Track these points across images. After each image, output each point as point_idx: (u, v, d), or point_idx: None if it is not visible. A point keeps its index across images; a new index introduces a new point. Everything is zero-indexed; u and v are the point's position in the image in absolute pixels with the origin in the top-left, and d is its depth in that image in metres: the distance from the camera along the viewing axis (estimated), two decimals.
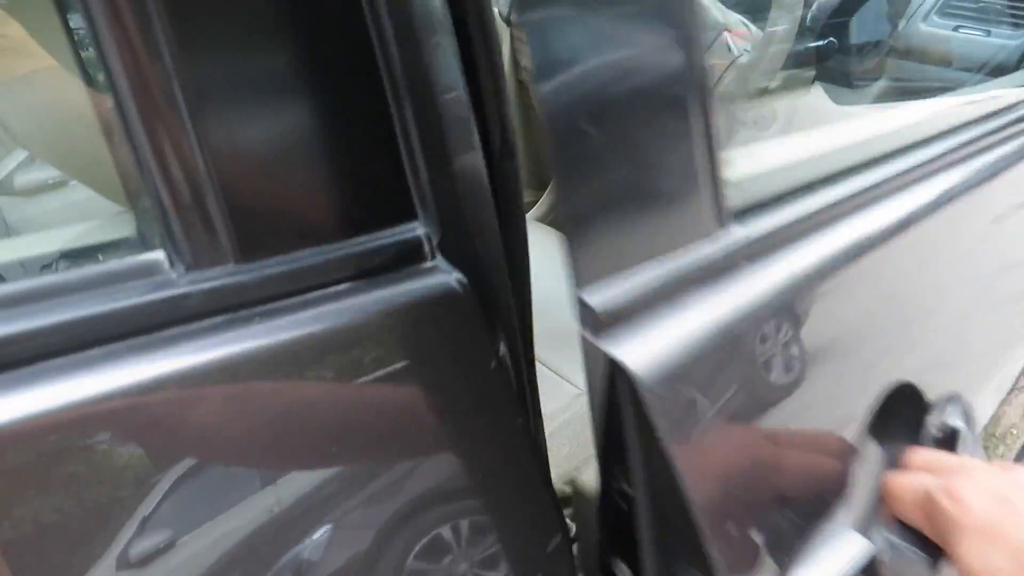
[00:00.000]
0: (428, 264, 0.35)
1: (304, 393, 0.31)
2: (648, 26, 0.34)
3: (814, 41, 1.14)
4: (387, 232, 0.35)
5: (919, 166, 0.54)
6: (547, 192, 1.67)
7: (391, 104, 0.33)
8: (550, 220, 1.63)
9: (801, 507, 0.44)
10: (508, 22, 1.56)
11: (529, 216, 1.63)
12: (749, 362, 0.39)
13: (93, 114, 0.54)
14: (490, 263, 0.37)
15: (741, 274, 0.39)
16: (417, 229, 0.35)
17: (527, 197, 1.78)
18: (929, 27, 1.14)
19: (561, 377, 0.85)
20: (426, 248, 0.35)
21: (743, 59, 1.02)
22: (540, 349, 0.42)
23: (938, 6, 1.16)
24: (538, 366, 0.42)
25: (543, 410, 0.42)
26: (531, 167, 1.79)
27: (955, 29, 1.13)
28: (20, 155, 0.95)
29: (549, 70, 0.31)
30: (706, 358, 0.36)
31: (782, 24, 1.03)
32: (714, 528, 0.37)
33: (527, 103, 1.40)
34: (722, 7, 1.12)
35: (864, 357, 0.50)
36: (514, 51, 1.38)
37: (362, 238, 0.34)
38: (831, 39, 1.07)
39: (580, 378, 0.36)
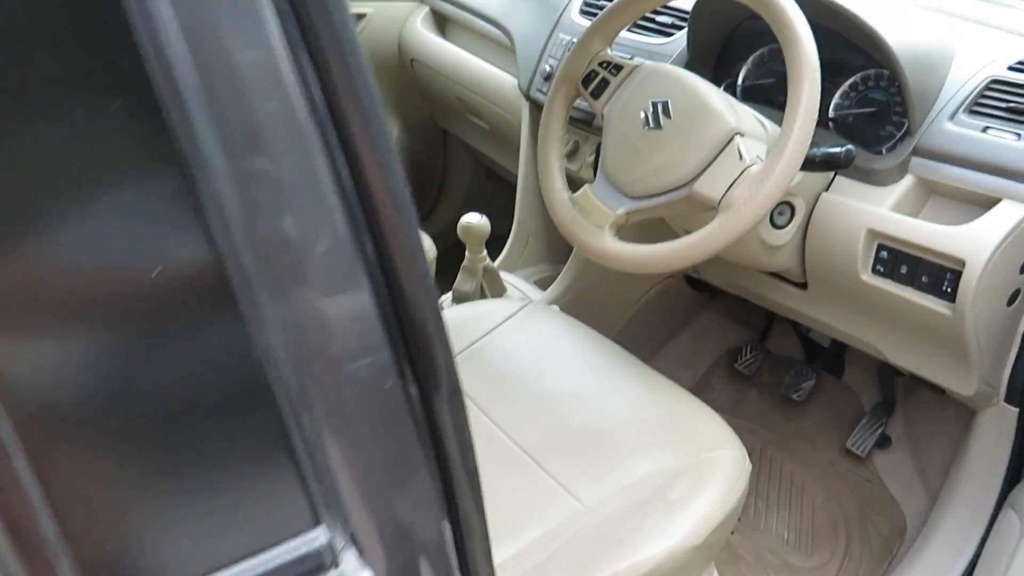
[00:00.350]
0: None
1: None
2: None
3: (833, 143, 1.09)
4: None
5: None
6: (564, 270, 1.62)
7: None
8: (565, 302, 1.59)
9: None
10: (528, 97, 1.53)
11: (543, 298, 1.59)
12: None
13: None
14: None
15: None
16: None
17: (539, 272, 1.74)
18: (956, 126, 1.09)
19: None
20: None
21: (754, 169, 0.98)
22: None
23: (967, 104, 1.10)
24: None
25: None
26: (547, 239, 1.76)
27: (984, 130, 1.07)
28: None
29: None
30: None
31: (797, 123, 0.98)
32: None
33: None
34: (735, 105, 1.08)
35: None
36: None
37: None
38: (849, 146, 1.02)
39: None
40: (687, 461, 1.04)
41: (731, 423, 1.68)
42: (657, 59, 1.39)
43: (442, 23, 2.00)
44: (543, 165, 1.20)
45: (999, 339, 1.14)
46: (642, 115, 1.09)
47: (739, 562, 1.47)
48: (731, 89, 1.38)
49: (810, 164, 1.04)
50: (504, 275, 1.71)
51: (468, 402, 1.15)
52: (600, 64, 1.17)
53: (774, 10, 0.98)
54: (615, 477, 1.04)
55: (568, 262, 1.61)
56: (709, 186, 1.01)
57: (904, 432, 1.61)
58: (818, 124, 1.24)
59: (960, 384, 1.19)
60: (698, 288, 1.73)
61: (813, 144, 1.14)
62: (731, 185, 0.98)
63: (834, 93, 1.25)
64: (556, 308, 1.45)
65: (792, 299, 1.37)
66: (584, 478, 1.05)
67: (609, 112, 1.14)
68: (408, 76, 2.06)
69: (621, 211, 1.10)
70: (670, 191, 1.05)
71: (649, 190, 1.08)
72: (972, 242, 1.02)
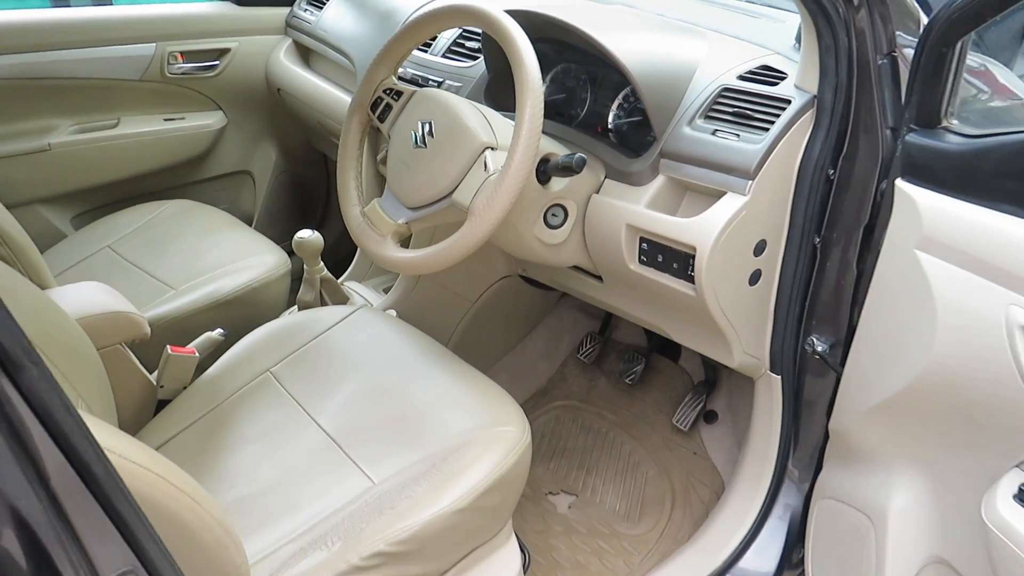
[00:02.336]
0: None
1: None
2: None
3: (608, 151, 1.25)
4: None
5: None
6: (399, 277, 1.76)
7: None
8: (404, 307, 1.72)
9: None
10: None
11: (381, 304, 1.72)
12: None
13: None
14: None
15: None
16: None
17: (390, 280, 1.87)
18: (693, 131, 1.24)
19: None
20: None
21: (492, 178, 1.11)
22: None
23: (702, 110, 1.25)
24: None
25: None
26: None
27: (713, 133, 1.22)
28: None
29: None
30: None
31: None
32: None
33: None
34: (493, 122, 1.20)
35: None
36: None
37: None
38: (580, 154, 1.17)
39: None
40: (468, 438, 1.18)
41: (581, 409, 1.83)
42: (465, 81, 1.55)
43: (305, 54, 2.14)
44: (341, 184, 1.33)
45: (750, 315, 1.29)
46: (412, 135, 1.23)
47: (572, 534, 1.61)
48: None
49: (555, 170, 1.19)
50: (353, 284, 1.84)
51: (289, 398, 1.28)
52: (385, 91, 1.31)
53: (504, 37, 1.12)
54: (405, 456, 1.17)
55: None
56: (462, 195, 1.15)
57: (727, 407, 1.76)
58: (599, 133, 1.41)
59: (725, 356, 1.34)
60: (545, 288, 1.87)
61: (585, 151, 1.30)
62: (475, 193, 1.12)
63: (610, 106, 1.40)
64: (389, 312, 1.58)
65: (595, 290, 1.51)
66: (379, 459, 1.18)
67: (391, 133, 1.29)
68: (279, 104, 2.19)
69: (402, 221, 1.23)
70: (437, 201, 1.19)
71: (422, 201, 1.21)
72: (699, 231, 1.17)
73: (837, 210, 1.20)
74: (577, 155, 1.17)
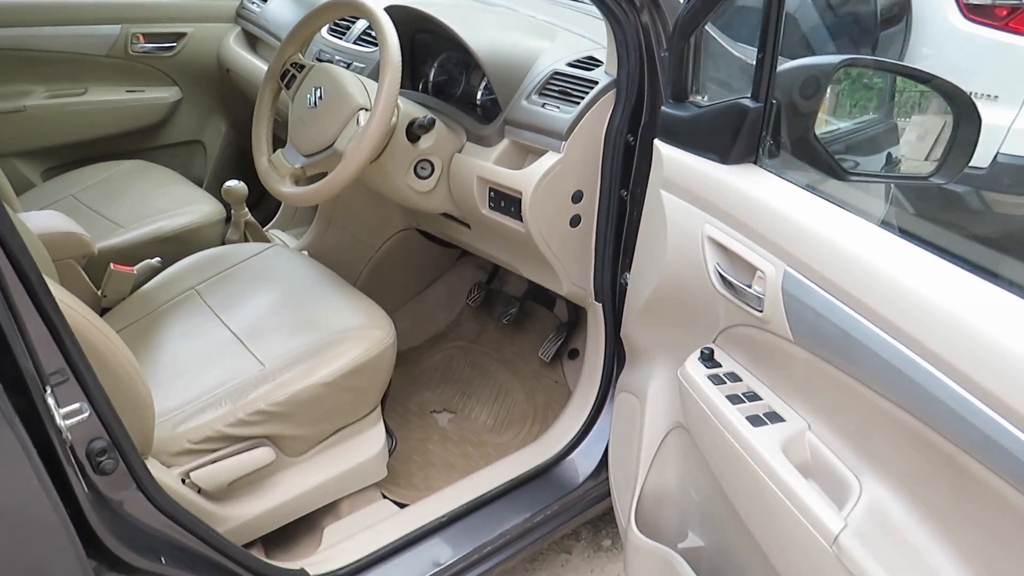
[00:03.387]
0: None
1: None
2: None
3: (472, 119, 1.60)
4: None
5: None
6: (312, 223, 2.10)
7: None
8: (316, 250, 2.06)
9: None
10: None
11: (295, 246, 2.06)
12: None
13: None
14: None
15: None
16: None
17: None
18: (529, 104, 1.58)
19: None
20: None
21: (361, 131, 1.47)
22: None
23: (536, 88, 1.59)
24: None
25: None
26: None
27: (543, 106, 1.56)
28: None
29: None
30: None
31: None
32: None
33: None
34: (369, 89, 1.54)
35: None
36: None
37: None
38: (431, 116, 1.51)
39: None
40: (344, 336, 1.51)
41: (472, 349, 2.18)
42: (368, 63, 1.89)
43: (252, 40, 2.47)
44: (255, 138, 1.67)
45: (575, 252, 1.63)
46: (307, 99, 1.57)
47: (447, 442, 1.94)
48: (425, 86, 1.88)
49: (417, 128, 1.54)
50: (276, 232, 2.18)
51: (207, 308, 1.60)
52: (292, 64, 1.66)
53: (375, 23, 1.47)
54: (292, 347, 1.51)
55: (315, 217, 2.09)
56: (340, 143, 1.49)
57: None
58: (469, 108, 1.75)
59: (556, 285, 1.68)
60: (443, 245, 2.21)
61: (453, 120, 1.64)
62: (348, 142, 1.46)
63: (478, 86, 1.75)
64: (299, 252, 1.92)
65: (466, 236, 1.86)
66: (271, 349, 1.51)
67: (294, 98, 1.63)
68: (229, 83, 2.52)
69: (297, 166, 1.58)
70: (324, 150, 1.54)
71: (313, 149, 1.56)
72: (525, 179, 1.52)
73: (639, 169, 1.54)
74: (428, 116, 1.51)
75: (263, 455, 1.42)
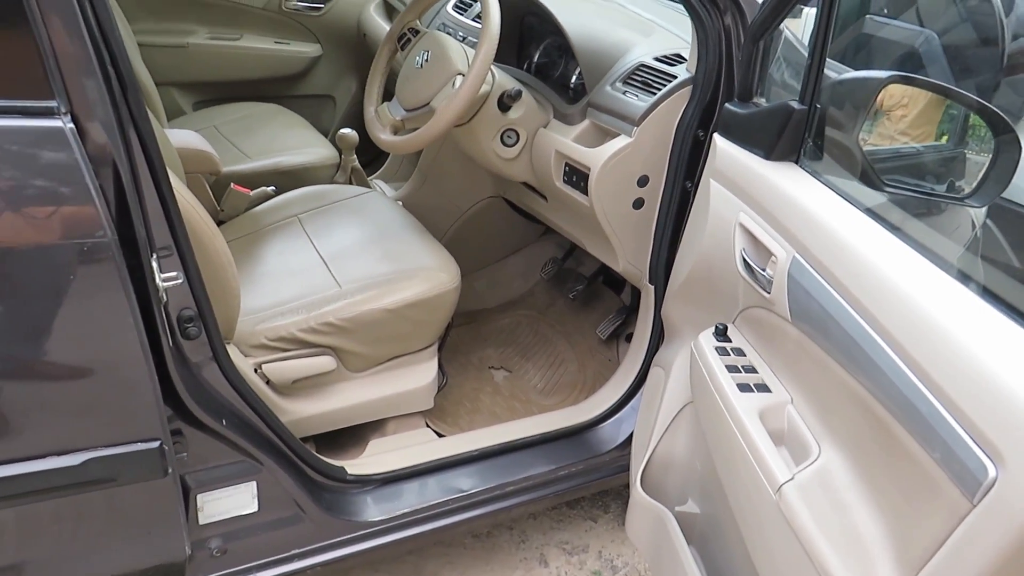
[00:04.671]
0: None
1: None
2: None
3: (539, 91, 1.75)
4: None
5: None
6: (411, 178, 2.30)
7: None
8: (410, 202, 2.26)
9: None
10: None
11: (392, 195, 2.27)
12: None
13: None
14: None
15: None
16: None
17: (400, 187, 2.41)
18: (612, 90, 1.71)
19: None
20: None
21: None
22: None
23: (621, 77, 1.72)
24: None
25: None
26: (412, 159, 2.44)
27: (624, 93, 1.68)
28: None
29: None
30: None
31: None
32: None
33: None
34: (469, 57, 1.72)
35: None
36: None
37: None
38: (519, 88, 1.66)
39: None
40: (415, 273, 1.69)
41: (539, 319, 2.34)
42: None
43: (390, 11, 2.71)
44: (368, 90, 1.88)
45: (634, 233, 1.74)
46: (416, 60, 1.76)
47: (497, 395, 2.10)
48: (529, 66, 2.04)
49: (507, 98, 1.70)
50: (379, 182, 2.40)
51: (303, 233, 1.83)
52: (408, 29, 1.85)
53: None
54: (367, 274, 1.70)
55: (414, 173, 2.30)
56: (435, 102, 1.67)
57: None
58: (562, 89, 1.89)
59: (613, 261, 1.80)
60: (526, 218, 2.36)
61: (544, 97, 1.79)
62: (442, 101, 1.64)
63: (574, 71, 1.90)
64: (392, 200, 2.12)
65: (543, 208, 2.00)
66: (350, 273, 1.71)
67: (405, 59, 1.82)
68: (364, 47, 2.77)
69: (398, 117, 1.77)
70: (422, 106, 1.72)
71: (413, 105, 1.74)
72: (595, 156, 1.64)
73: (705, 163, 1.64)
74: (516, 87, 1.67)
75: (326, 362, 1.62)
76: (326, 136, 2.81)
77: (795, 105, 1.23)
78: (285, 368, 1.59)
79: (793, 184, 1.19)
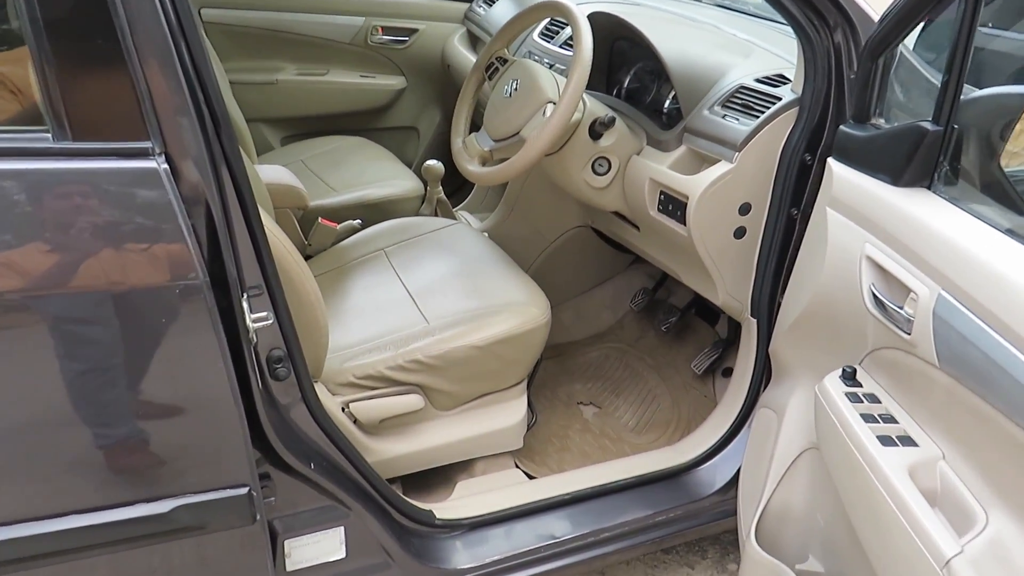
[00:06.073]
0: None
1: None
2: None
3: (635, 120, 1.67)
4: None
5: None
6: (497, 209, 2.25)
7: None
8: (496, 233, 2.21)
9: None
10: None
11: (478, 226, 2.22)
12: None
13: None
14: None
15: None
16: None
17: (484, 220, 2.37)
18: (710, 114, 1.61)
19: None
20: None
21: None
22: None
23: (720, 100, 1.62)
24: None
25: None
26: (499, 191, 2.39)
27: (723, 117, 1.59)
28: None
29: None
30: None
31: None
32: None
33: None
34: (559, 85, 1.65)
35: None
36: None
37: None
38: (612, 115, 1.58)
39: None
40: (504, 308, 1.63)
41: (628, 352, 2.25)
42: (569, 66, 2.01)
43: (474, 41, 2.69)
44: (455, 120, 1.84)
45: (735, 263, 1.64)
46: (505, 89, 1.71)
47: (587, 432, 2.01)
48: (619, 91, 1.96)
49: (599, 126, 1.63)
50: (464, 212, 2.36)
51: (390, 267, 1.80)
52: (496, 58, 1.81)
53: (573, 24, 1.58)
54: (456, 309, 1.65)
55: (500, 203, 2.24)
56: (525, 131, 1.61)
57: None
58: (655, 114, 1.82)
59: (712, 294, 1.70)
60: (615, 247, 2.28)
61: (637, 124, 1.72)
62: (532, 130, 1.58)
63: (667, 95, 1.81)
64: (478, 231, 2.07)
65: (635, 237, 1.92)
66: (438, 309, 1.67)
67: (493, 88, 1.78)
68: (449, 78, 2.76)
69: (486, 148, 1.72)
70: (512, 136, 1.67)
71: (502, 135, 1.69)
72: (693, 184, 1.55)
73: (814, 189, 1.53)
74: (609, 114, 1.60)
75: (414, 401, 1.57)
76: (411, 167, 2.81)
77: (928, 126, 1.11)
78: (372, 407, 1.55)
79: (930, 212, 1.08)
